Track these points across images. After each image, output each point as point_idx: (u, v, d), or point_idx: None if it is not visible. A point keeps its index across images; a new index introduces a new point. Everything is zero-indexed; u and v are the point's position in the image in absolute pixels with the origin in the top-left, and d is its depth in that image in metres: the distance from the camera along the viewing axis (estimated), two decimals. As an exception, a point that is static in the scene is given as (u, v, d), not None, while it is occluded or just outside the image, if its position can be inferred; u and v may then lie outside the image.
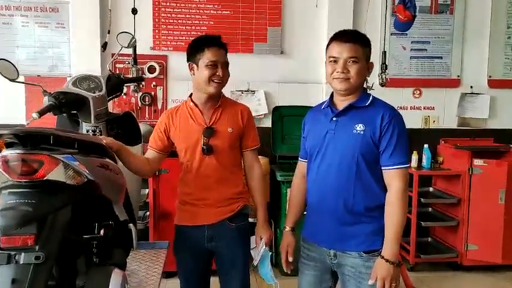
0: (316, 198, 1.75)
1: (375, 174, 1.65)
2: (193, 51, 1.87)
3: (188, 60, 1.90)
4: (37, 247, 1.14)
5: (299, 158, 1.90)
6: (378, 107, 1.67)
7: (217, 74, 1.84)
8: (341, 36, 1.67)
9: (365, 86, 1.75)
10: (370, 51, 1.70)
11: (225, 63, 1.87)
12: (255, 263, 1.97)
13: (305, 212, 1.86)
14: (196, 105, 1.92)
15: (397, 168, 1.62)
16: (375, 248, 1.64)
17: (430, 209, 3.91)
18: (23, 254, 1.13)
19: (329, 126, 1.70)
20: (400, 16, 3.42)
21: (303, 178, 1.84)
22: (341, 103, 1.71)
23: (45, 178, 1.18)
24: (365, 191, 1.64)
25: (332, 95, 1.76)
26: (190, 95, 1.97)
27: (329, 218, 1.69)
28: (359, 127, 1.64)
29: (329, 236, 1.71)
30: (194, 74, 1.89)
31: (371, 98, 1.70)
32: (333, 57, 1.65)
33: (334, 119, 1.70)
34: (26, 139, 1.19)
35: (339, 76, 1.64)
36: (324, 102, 1.80)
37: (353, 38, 1.65)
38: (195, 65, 1.87)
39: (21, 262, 1.12)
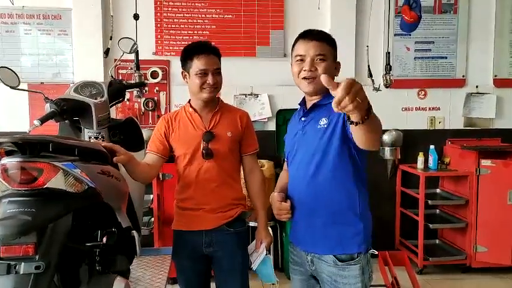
0: (293, 201, 1.70)
1: (348, 171, 1.55)
2: (184, 60, 1.89)
3: (182, 68, 1.92)
4: (37, 256, 1.12)
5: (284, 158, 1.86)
6: None
7: (207, 82, 1.85)
8: (307, 35, 1.64)
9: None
10: (336, 51, 1.66)
11: (215, 70, 1.86)
12: (254, 267, 1.96)
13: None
14: (195, 110, 1.93)
15: None
16: (349, 252, 1.57)
17: (438, 211, 3.88)
18: (23, 263, 1.11)
19: (298, 127, 1.68)
20: (406, 17, 3.41)
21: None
22: (309, 103, 1.69)
23: (45, 186, 1.16)
24: (336, 189, 1.56)
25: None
26: (189, 101, 1.98)
27: (304, 219, 1.65)
28: (323, 121, 1.58)
29: (304, 237, 1.66)
30: (187, 82, 1.92)
31: None
32: (300, 55, 1.62)
33: (302, 119, 1.68)
34: (26, 147, 1.18)
35: (307, 75, 1.60)
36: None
37: (319, 37, 1.62)
38: (187, 73, 1.90)
39: (21, 272, 1.11)
